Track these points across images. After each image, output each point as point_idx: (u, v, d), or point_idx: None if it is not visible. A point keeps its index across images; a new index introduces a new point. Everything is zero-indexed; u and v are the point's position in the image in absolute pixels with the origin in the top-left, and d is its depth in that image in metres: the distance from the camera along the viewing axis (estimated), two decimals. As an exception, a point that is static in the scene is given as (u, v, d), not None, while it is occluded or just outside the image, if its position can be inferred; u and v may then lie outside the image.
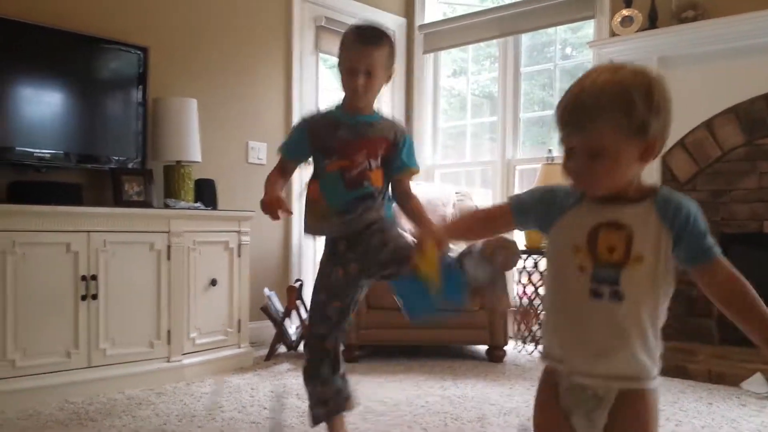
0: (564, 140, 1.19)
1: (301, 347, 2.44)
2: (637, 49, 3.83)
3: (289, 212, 2.10)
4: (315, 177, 2.20)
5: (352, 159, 2.10)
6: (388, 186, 2.21)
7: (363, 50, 2.06)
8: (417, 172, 2.24)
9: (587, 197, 1.24)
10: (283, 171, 2.24)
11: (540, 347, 1.29)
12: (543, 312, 1.29)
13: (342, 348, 2.28)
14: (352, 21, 4.66)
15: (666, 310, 1.23)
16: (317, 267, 2.28)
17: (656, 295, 1.20)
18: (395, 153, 2.16)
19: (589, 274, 1.20)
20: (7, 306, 2.69)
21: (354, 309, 2.25)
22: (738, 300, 1.18)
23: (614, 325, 1.19)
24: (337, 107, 2.20)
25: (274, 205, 2.04)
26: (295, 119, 4.41)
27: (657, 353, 1.23)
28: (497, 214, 1.35)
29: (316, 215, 2.20)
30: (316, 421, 2.25)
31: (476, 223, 1.39)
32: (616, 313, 1.18)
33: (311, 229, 2.25)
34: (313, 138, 2.17)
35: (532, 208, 1.31)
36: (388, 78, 2.16)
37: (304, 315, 3.74)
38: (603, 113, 1.13)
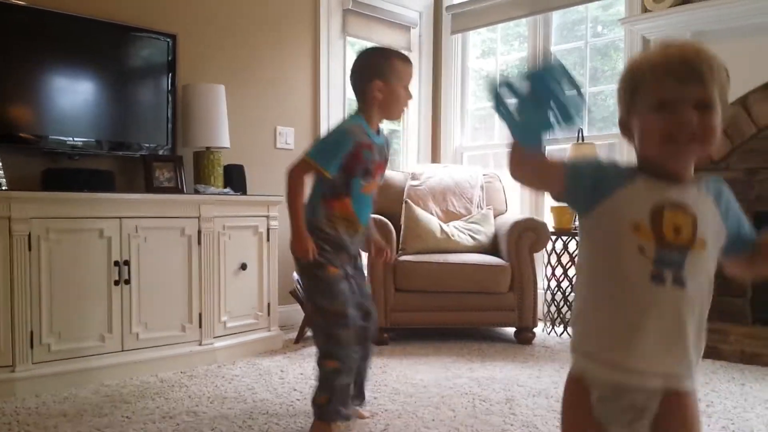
0: (671, 91, 1.09)
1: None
2: (671, 25, 3.74)
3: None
4: (346, 194, 2.18)
5: (376, 180, 2.26)
6: None
7: (411, 71, 2.23)
8: None
9: (643, 174, 1.14)
10: (304, 185, 2.16)
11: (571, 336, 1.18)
12: (577, 300, 1.18)
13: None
14: (379, 4, 4.68)
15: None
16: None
17: (711, 283, 1.14)
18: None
19: (651, 256, 1.09)
20: (42, 291, 2.75)
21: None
22: None
23: (675, 314, 1.11)
24: (365, 124, 2.20)
25: (308, 255, 2.12)
26: (323, 105, 4.41)
27: (702, 348, 1.17)
28: (553, 170, 1.17)
29: (347, 230, 2.22)
30: (338, 418, 2.20)
31: (535, 161, 1.15)
32: (678, 301, 1.10)
33: (340, 241, 2.21)
34: (353, 158, 2.13)
35: (586, 179, 1.15)
36: None
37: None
38: (718, 74, 1.10)
